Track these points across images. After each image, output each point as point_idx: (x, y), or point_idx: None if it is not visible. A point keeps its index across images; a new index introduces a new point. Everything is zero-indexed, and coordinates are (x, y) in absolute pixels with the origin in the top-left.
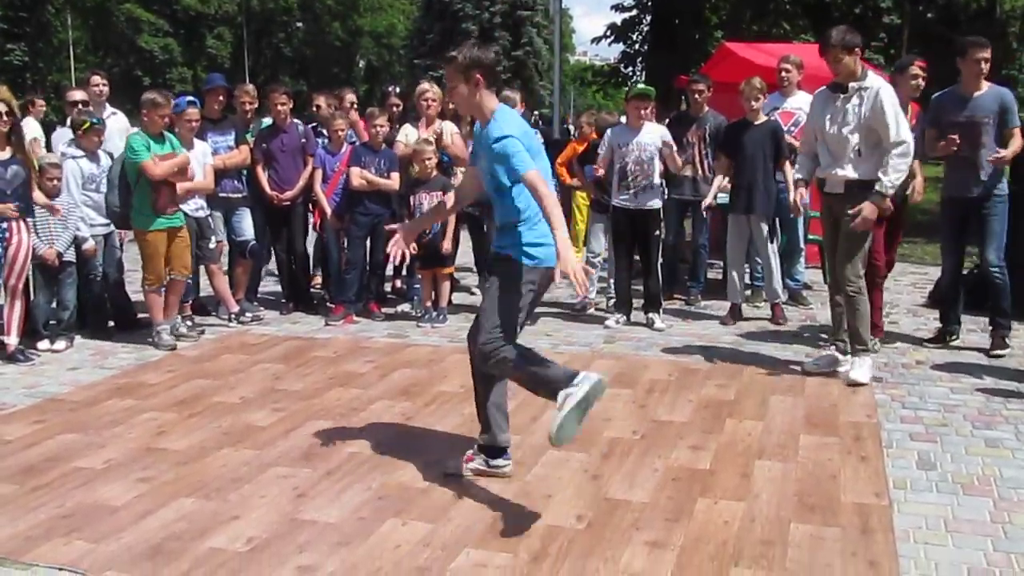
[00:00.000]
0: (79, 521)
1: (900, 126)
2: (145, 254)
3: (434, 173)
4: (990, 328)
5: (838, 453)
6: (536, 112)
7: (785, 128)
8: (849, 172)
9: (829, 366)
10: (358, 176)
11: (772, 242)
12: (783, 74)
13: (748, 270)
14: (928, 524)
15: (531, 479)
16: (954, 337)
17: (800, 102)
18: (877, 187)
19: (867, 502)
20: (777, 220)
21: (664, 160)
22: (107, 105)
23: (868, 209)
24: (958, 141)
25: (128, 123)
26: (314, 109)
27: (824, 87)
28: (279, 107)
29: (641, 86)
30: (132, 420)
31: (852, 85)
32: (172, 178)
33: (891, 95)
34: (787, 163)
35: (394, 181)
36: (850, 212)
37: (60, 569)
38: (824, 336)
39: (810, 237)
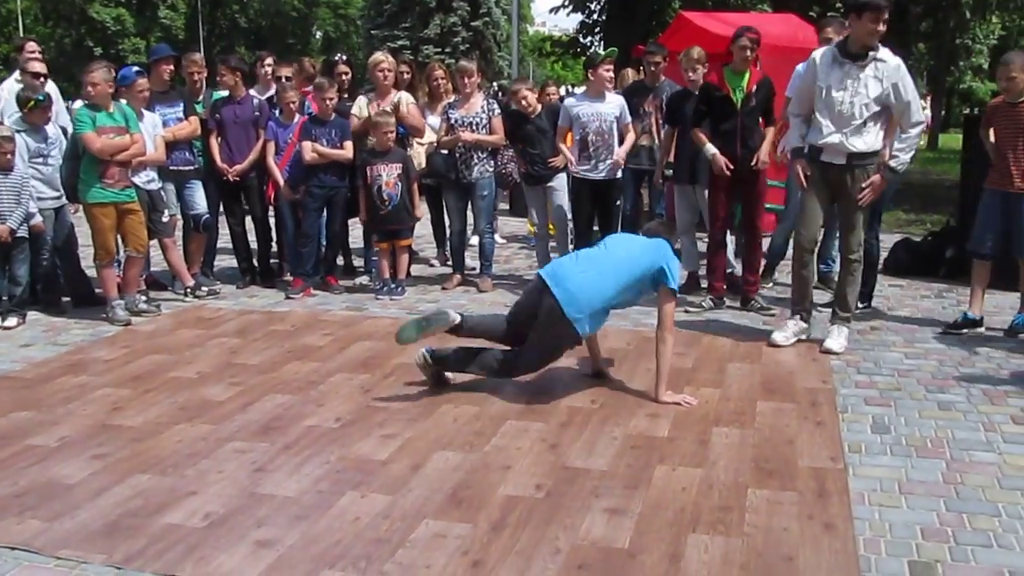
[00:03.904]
0: (33, 500)
1: (917, 106)
2: (93, 228)
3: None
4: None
5: (795, 419)
6: (495, 84)
7: None
8: (855, 143)
9: (796, 336)
10: (310, 150)
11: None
12: None
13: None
14: (882, 486)
15: (489, 449)
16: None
17: None
18: (892, 163)
19: (823, 466)
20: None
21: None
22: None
23: (878, 182)
24: None
25: (58, 92)
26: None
27: (827, 48)
28: (222, 79)
29: (610, 49)
30: (86, 397)
31: (870, 54)
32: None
33: (907, 72)
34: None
35: (347, 150)
36: (863, 186)
37: (13, 548)
38: (778, 302)
39: (767, 206)
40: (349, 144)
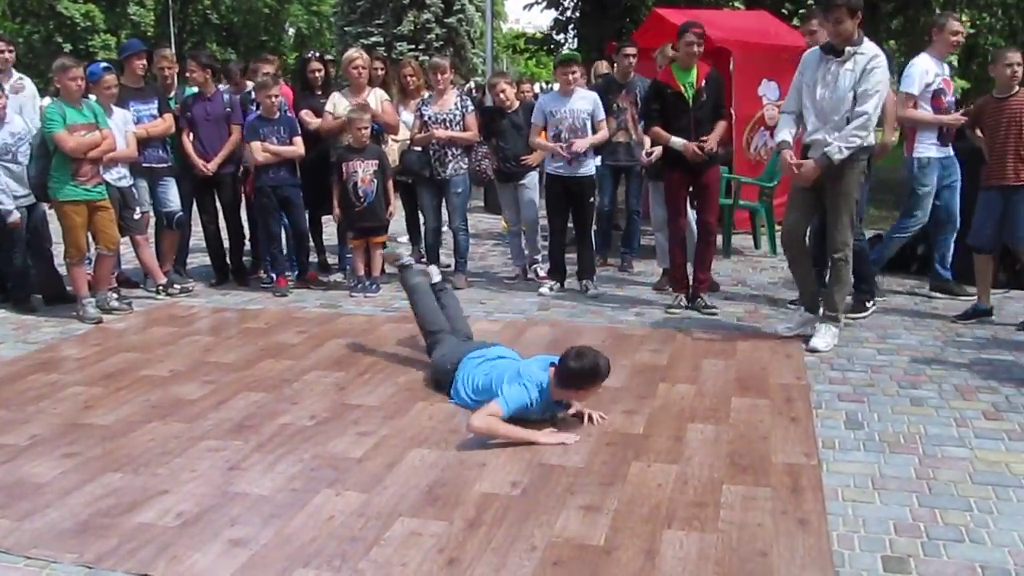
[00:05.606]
0: (2, 499)
1: (875, 100)
2: (64, 226)
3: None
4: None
5: (769, 415)
6: (471, 81)
7: None
8: (836, 137)
9: (801, 327)
10: (260, 151)
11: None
12: None
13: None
14: (856, 482)
15: (465, 447)
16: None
17: None
18: (827, 150)
19: (797, 462)
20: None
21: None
22: (13, 71)
23: (808, 166)
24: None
25: (35, 90)
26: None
27: (816, 47)
28: (192, 75)
29: (565, 52)
30: (57, 395)
31: (848, 49)
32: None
33: (884, 67)
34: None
35: (298, 146)
36: (791, 162)
37: None
38: (757, 297)
39: (741, 203)
40: (299, 139)
